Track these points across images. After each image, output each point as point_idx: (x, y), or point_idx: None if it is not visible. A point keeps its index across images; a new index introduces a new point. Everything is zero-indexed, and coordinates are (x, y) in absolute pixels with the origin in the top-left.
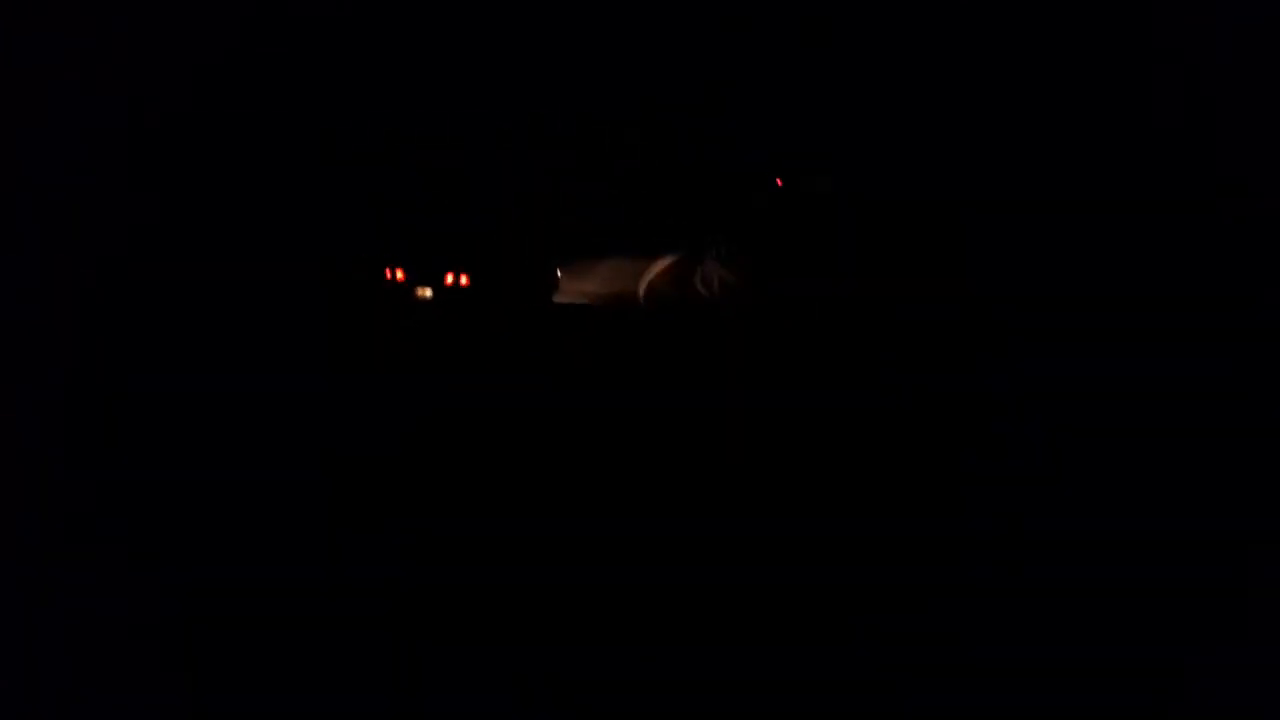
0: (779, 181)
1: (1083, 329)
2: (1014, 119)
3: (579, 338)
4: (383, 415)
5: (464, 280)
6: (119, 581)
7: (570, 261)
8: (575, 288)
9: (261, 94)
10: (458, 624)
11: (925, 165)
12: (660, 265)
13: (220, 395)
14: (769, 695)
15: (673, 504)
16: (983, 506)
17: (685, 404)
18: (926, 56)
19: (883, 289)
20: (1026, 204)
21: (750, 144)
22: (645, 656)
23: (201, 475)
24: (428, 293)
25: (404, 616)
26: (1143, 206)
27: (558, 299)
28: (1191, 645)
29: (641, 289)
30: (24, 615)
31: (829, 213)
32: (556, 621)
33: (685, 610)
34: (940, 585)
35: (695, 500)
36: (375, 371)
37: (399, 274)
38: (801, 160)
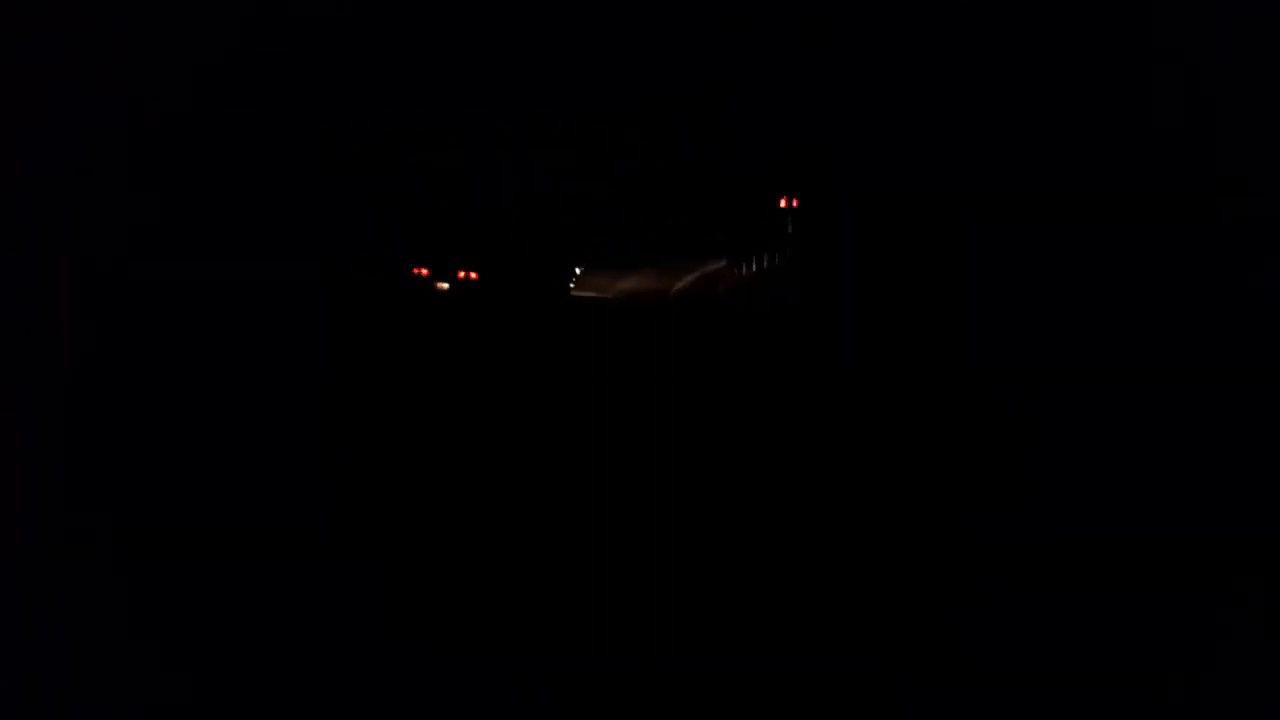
0: (789, 202)
1: (1082, 329)
2: (1014, 119)
3: (592, 329)
4: (384, 415)
5: (474, 276)
6: (119, 581)
7: (604, 267)
8: (606, 287)
9: (261, 94)
10: (459, 626)
11: (925, 165)
12: (697, 273)
13: (220, 394)
14: (769, 696)
15: (673, 501)
16: (984, 507)
17: (687, 406)
18: (926, 56)
19: (883, 288)
20: (1027, 204)
21: (750, 144)
22: (646, 656)
23: (202, 475)
24: (445, 286)
25: (405, 617)
26: (1143, 206)
27: (578, 293)
28: (1194, 648)
29: (674, 290)
30: (24, 615)
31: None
32: (558, 624)
33: (686, 609)
34: (942, 586)
35: (697, 498)
36: (377, 371)
37: (423, 271)
38: (801, 160)
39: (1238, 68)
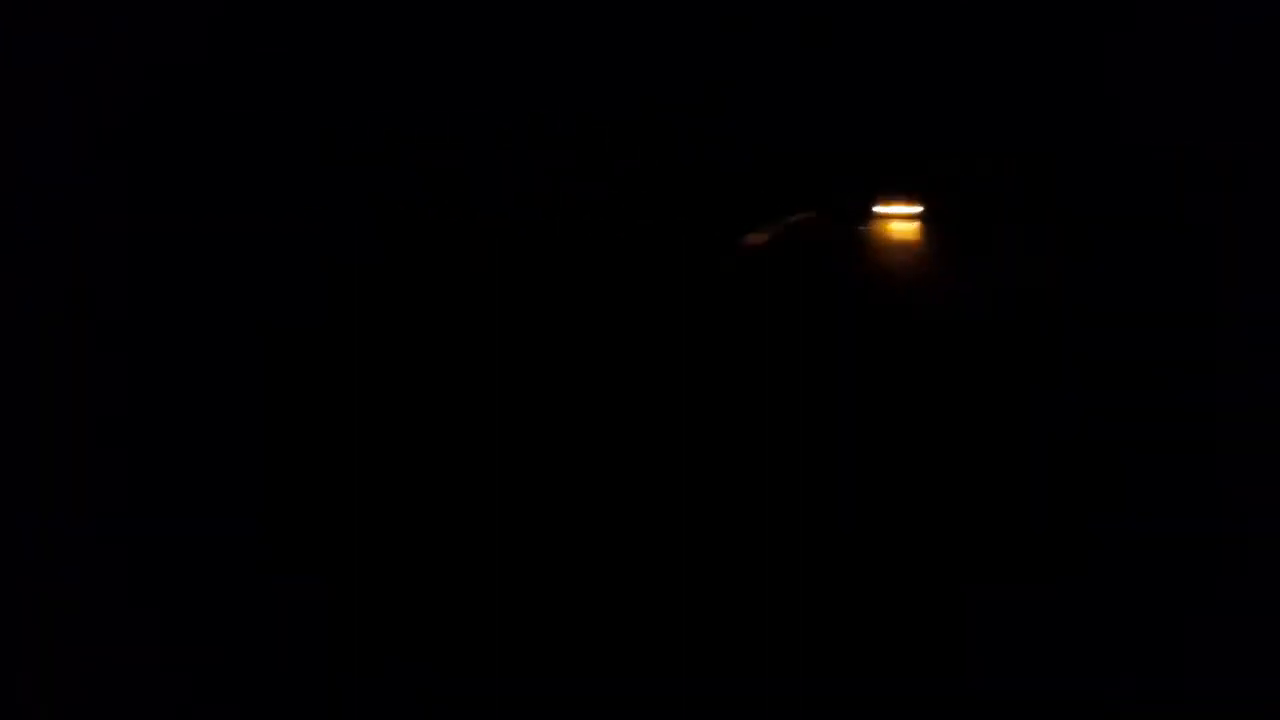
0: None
1: (1080, 332)
2: (1013, 119)
3: None
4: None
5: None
6: (118, 581)
7: None
8: None
9: (262, 94)
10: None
11: (924, 166)
12: None
13: (221, 394)
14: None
15: (675, 508)
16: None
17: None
18: (926, 57)
19: (882, 292)
20: (1025, 205)
21: (750, 144)
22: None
23: (203, 474)
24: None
25: (408, 623)
26: (1142, 207)
27: None
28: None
29: None
30: (24, 615)
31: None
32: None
33: (687, 620)
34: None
35: (699, 504)
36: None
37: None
38: (801, 160)
39: (1238, 68)
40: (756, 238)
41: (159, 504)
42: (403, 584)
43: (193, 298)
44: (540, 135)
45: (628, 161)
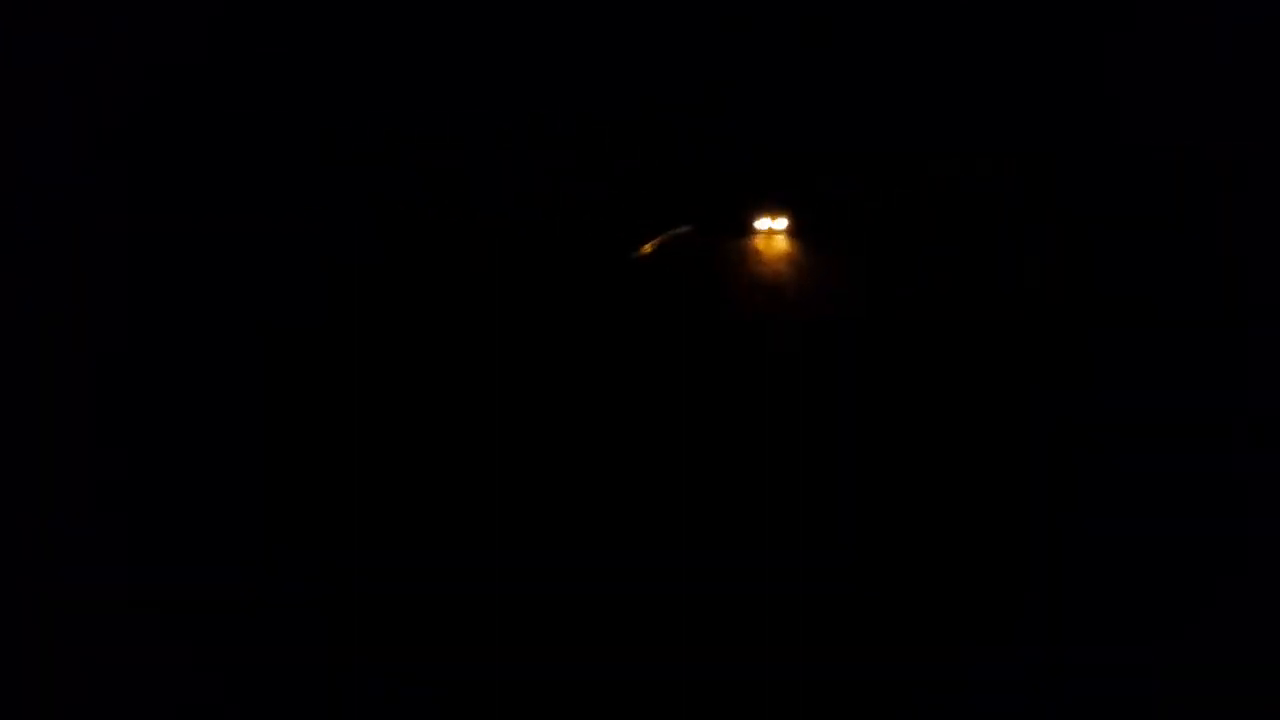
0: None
1: (1080, 335)
2: (1013, 120)
3: None
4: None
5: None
6: (119, 581)
7: None
8: None
9: (262, 94)
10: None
11: (923, 166)
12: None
13: (221, 394)
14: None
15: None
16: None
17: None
18: (925, 57)
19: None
20: (1024, 207)
21: (750, 144)
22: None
23: (203, 475)
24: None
25: (408, 629)
26: (1141, 208)
27: None
28: None
29: None
30: (24, 615)
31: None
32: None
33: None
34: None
35: (696, 507)
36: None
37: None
38: (801, 161)
39: (1238, 68)
40: (646, 248)
41: (159, 504)
42: (402, 583)
43: (193, 298)
44: (540, 135)
45: (628, 161)
